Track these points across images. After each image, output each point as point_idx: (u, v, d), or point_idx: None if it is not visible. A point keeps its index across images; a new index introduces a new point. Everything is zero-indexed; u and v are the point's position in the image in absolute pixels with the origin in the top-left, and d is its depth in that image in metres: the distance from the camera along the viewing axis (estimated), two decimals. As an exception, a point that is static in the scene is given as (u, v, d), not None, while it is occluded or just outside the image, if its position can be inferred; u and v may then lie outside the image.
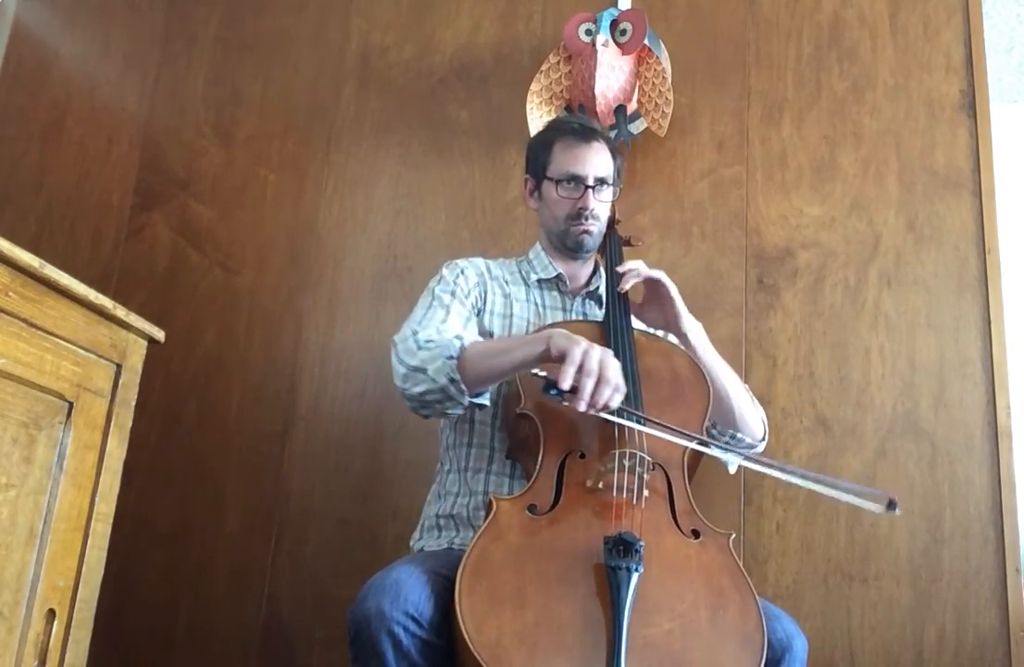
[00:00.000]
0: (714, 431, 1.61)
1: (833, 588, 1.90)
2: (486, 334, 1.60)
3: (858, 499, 1.23)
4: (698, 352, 1.57)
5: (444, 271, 1.66)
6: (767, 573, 1.91)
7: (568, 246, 1.67)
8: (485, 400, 1.47)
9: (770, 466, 1.32)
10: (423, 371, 1.40)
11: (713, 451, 1.38)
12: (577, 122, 1.71)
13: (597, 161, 1.64)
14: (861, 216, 2.13)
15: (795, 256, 2.12)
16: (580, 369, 1.24)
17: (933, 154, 2.15)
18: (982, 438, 1.96)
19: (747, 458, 1.39)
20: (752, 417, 1.62)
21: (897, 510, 1.18)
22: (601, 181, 1.64)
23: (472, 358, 1.39)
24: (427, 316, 1.54)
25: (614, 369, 1.26)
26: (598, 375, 1.24)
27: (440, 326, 1.51)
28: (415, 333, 1.47)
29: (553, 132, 1.71)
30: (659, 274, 1.56)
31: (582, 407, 1.24)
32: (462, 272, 1.65)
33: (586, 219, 1.63)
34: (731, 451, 1.51)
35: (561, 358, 1.26)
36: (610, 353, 1.28)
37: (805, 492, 1.95)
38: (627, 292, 1.57)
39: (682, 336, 1.58)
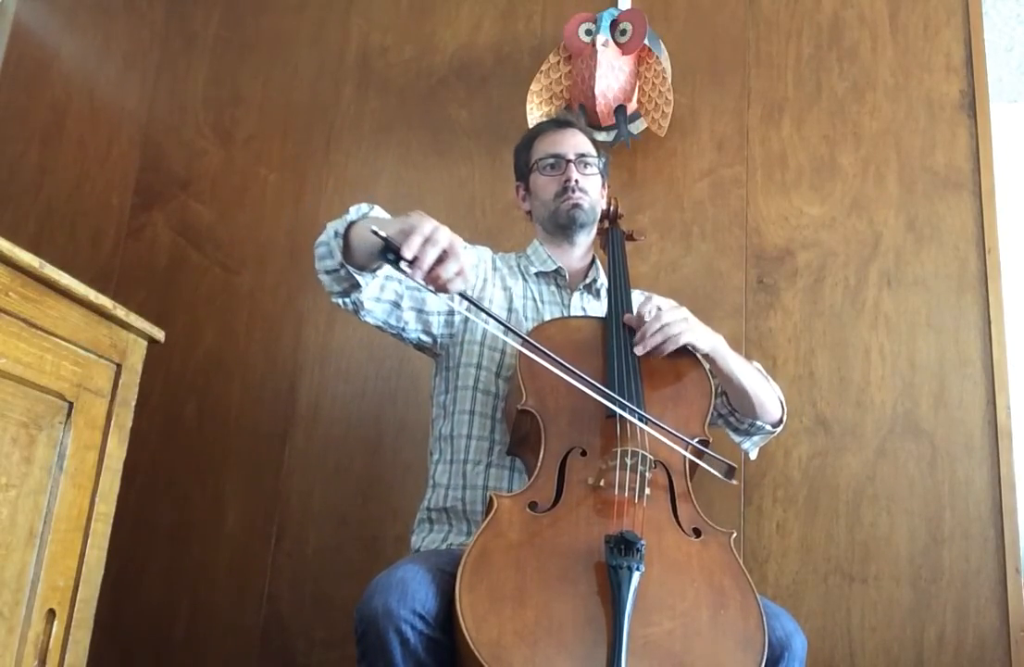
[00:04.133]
0: (732, 419, 1.61)
1: (833, 588, 1.90)
2: (484, 331, 1.59)
3: (705, 464, 1.35)
4: (723, 366, 1.50)
5: None
6: (767, 573, 1.91)
7: (561, 223, 1.67)
8: (362, 278, 1.38)
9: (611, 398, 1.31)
10: (326, 226, 1.40)
11: (703, 464, 1.37)
12: (551, 118, 1.79)
13: (574, 141, 1.68)
14: (861, 216, 2.13)
15: (795, 256, 2.12)
16: (427, 240, 1.16)
17: (933, 154, 2.15)
18: (982, 438, 1.96)
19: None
20: (771, 403, 1.59)
21: (735, 480, 1.29)
22: (582, 156, 1.66)
23: (362, 224, 1.33)
24: None
25: (464, 252, 1.20)
26: (444, 248, 1.17)
27: None
28: None
29: (530, 133, 1.77)
30: (685, 338, 1.44)
31: (418, 277, 1.16)
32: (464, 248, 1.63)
33: (573, 191, 1.64)
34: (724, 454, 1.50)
35: (407, 233, 1.17)
36: (461, 241, 1.21)
37: (804, 492, 1.96)
38: (629, 287, 1.57)
39: (707, 359, 1.50)
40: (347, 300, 1.44)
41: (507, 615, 1.11)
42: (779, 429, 1.66)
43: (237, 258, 2.27)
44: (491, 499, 1.25)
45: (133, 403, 1.27)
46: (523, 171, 1.73)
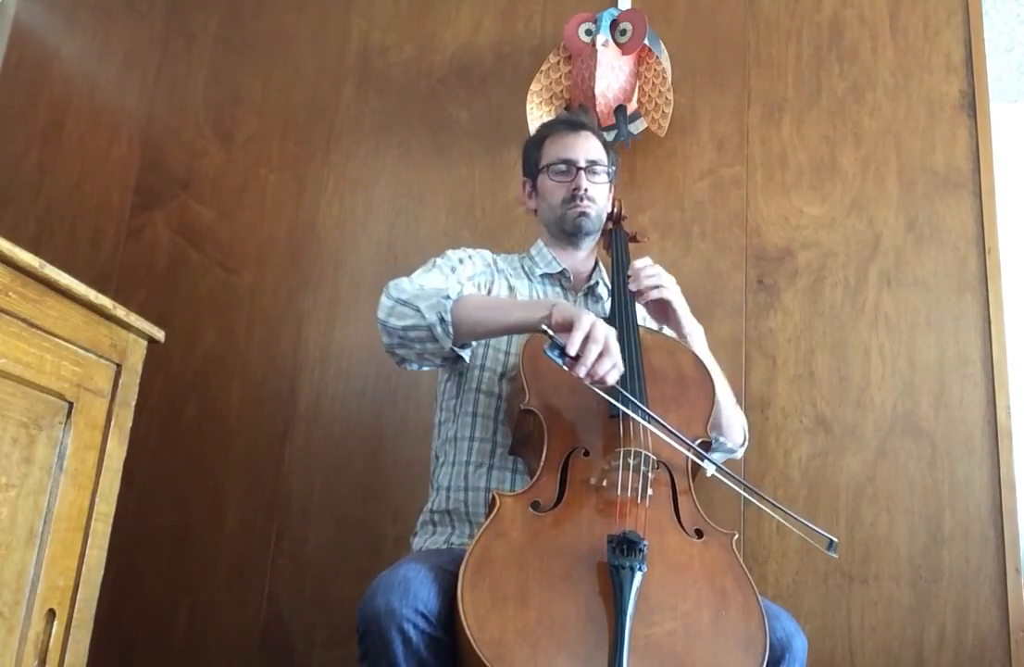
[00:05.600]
0: None
1: (833, 588, 1.90)
2: None
3: (806, 535, 1.33)
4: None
5: (449, 251, 1.66)
6: (767, 573, 1.91)
7: (567, 230, 1.68)
8: (466, 354, 1.46)
9: (738, 482, 1.34)
10: (414, 306, 1.40)
11: (707, 463, 1.37)
12: (566, 116, 1.77)
13: (587, 146, 1.67)
14: (861, 216, 2.13)
15: (795, 256, 2.12)
16: (587, 337, 1.24)
17: (933, 154, 2.15)
18: (982, 438, 1.96)
19: (719, 469, 1.38)
20: (736, 423, 1.63)
21: (835, 553, 1.29)
22: (593, 163, 1.66)
23: (469, 305, 1.38)
24: (425, 275, 1.54)
25: (616, 346, 1.27)
26: (603, 346, 1.24)
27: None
28: (411, 280, 1.48)
29: (542, 130, 1.75)
30: (667, 293, 1.55)
31: (582, 373, 1.24)
32: (469, 257, 1.65)
33: (581, 200, 1.64)
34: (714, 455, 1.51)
35: (564, 326, 1.26)
36: (613, 332, 1.29)
37: (804, 492, 1.96)
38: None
39: (682, 337, 1.58)
40: (428, 360, 1.48)
41: (509, 614, 1.11)
42: (739, 451, 1.67)
43: (237, 258, 2.26)
44: (494, 498, 1.25)
45: (133, 403, 1.27)
46: (532, 170, 1.72)
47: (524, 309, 1.36)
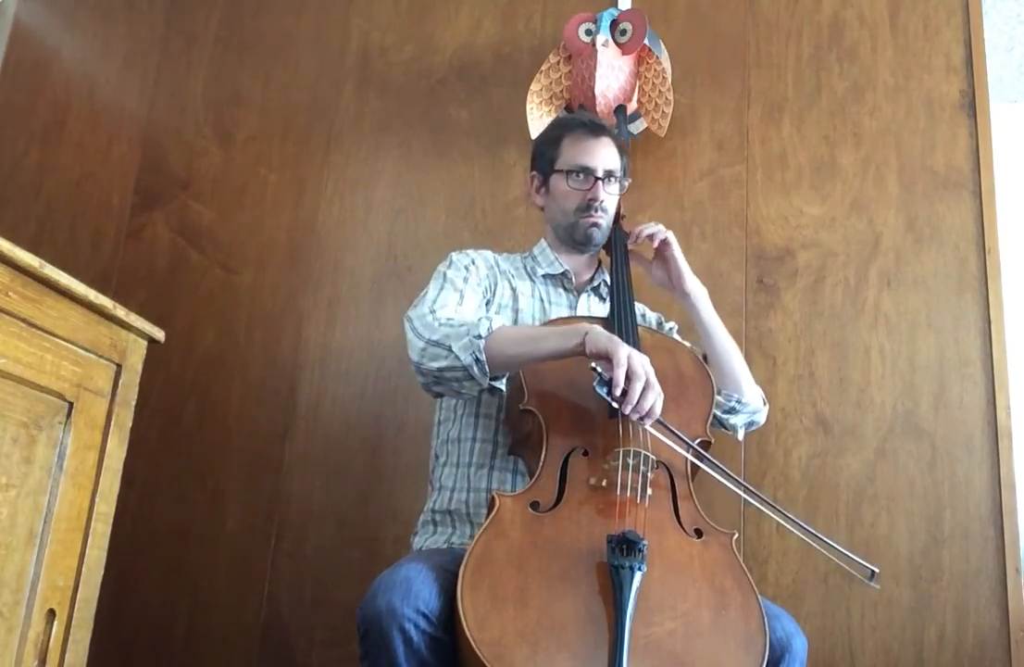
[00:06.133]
0: (719, 397, 1.60)
1: (833, 588, 1.90)
2: None
3: (846, 565, 1.34)
4: (701, 314, 1.63)
5: (454, 257, 1.65)
6: (767, 573, 1.91)
7: (577, 239, 1.68)
8: (502, 384, 1.47)
9: (774, 509, 1.34)
10: (445, 347, 1.39)
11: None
12: (587, 118, 1.75)
13: (606, 154, 1.67)
14: (861, 216, 2.13)
15: (795, 256, 2.12)
16: (629, 374, 1.26)
17: (933, 154, 2.15)
18: (982, 438, 1.96)
19: (748, 492, 1.41)
20: (750, 381, 1.66)
21: (877, 583, 1.33)
22: (610, 174, 1.66)
23: (500, 340, 1.38)
24: (441, 297, 1.53)
25: (654, 376, 1.29)
26: (645, 381, 1.27)
27: (457, 308, 1.51)
28: (433, 312, 1.47)
29: (561, 128, 1.73)
30: (666, 234, 1.63)
31: (628, 410, 1.27)
32: (473, 262, 1.65)
33: (595, 211, 1.65)
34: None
35: (599, 355, 1.28)
36: (647, 360, 1.30)
37: (804, 492, 1.96)
38: (631, 287, 1.58)
39: (685, 296, 1.63)
40: (467, 392, 1.47)
41: (509, 614, 1.11)
42: (762, 412, 1.70)
43: (237, 258, 2.26)
44: (493, 498, 1.25)
45: (133, 403, 1.27)
46: (545, 167, 1.70)
47: (557, 339, 1.35)
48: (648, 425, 1.31)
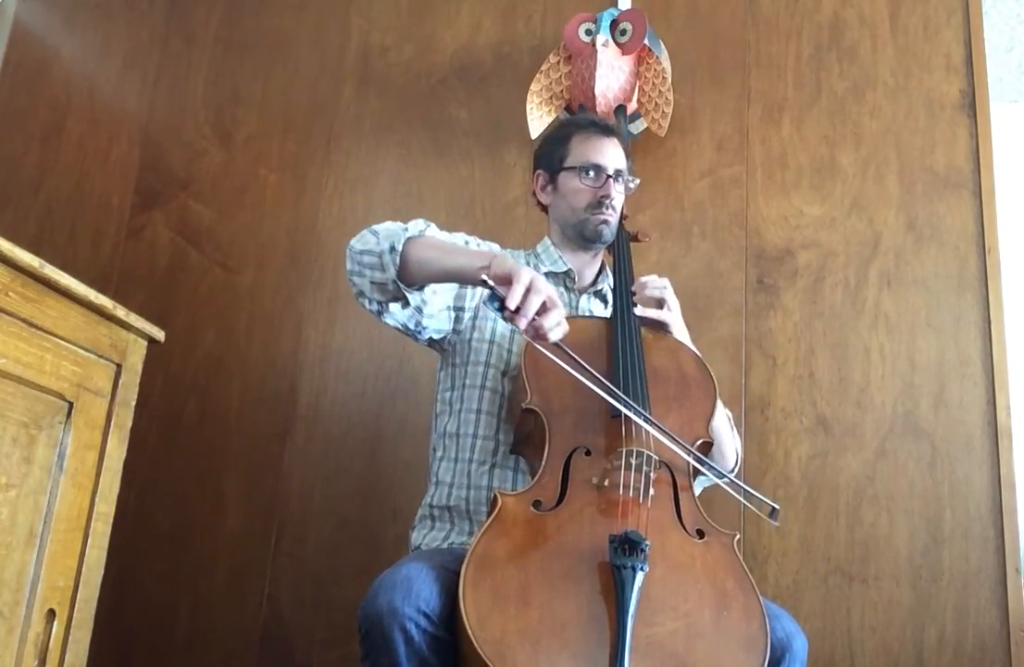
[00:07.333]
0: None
1: (833, 588, 1.90)
2: (493, 330, 1.60)
3: (747, 503, 1.39)
4: None
5: (461, 233, 1.65)
6: (767, 573, 1.91)
7: (586, 236, 1.67)
8: (411, 297, 1.43)
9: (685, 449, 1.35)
10: (376, 233, 1.42)
11: (705, 469, 1.37)
12: (597, 119, 1.76)
13: (615, 153, 1.68)
14: (861, 216, 2.13)
15: (795, 256, 2.12)
16: (528, 289, 1.20)
17: (933, 154, 2.15)
18: (982, 438, 1.96)
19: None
20: (728, 447, 1.61)
21: (776, 521, 1.34)
22: (620, 172, 1.67)
23: (422, 243, 1.39)
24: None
25: (560, 302, 1.24)
26: (546, 298, 1.21)
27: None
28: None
29: (569, 127, 1.74)
30: (667, 317, 1.54)
31: (522, 325, 1.20)
32: (478, 245, 1.65)
33: (606, 208, 1.65)
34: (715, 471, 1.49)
35: (504, 279, 1.21)
36: (555, 289, 1.27)
37: (804, 492, 1.96)
38: (634, 282, 1.57)
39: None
40: (378, 292, 1.44)
41: (511, 614, 1.11)
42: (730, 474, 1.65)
43: (237, 258, 2.26)
44: (495, 497, 1.25)
45: (133, 403, 1.27)
46: (553, 165, 1.70)
47: (467, 257, 1.33)
48: (550, 341, 1.24)
